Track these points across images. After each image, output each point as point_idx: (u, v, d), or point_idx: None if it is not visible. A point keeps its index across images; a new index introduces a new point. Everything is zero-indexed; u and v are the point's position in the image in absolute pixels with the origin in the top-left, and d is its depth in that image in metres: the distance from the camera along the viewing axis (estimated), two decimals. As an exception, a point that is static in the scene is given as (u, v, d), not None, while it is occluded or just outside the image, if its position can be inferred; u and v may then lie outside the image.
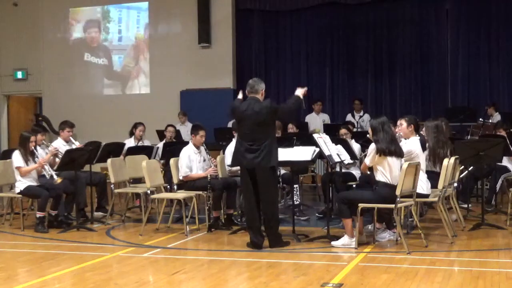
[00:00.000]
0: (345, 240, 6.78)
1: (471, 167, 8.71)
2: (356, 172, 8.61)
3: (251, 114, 6.80)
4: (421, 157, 7.10)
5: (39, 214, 8.12)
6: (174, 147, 9.35)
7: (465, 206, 8.69)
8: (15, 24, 16.57)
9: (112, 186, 8.69)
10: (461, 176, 8.65)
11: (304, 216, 8.75)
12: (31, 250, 7.21)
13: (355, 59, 14.72)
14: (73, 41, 16.53)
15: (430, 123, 7.88)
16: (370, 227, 7.31)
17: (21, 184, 8.24)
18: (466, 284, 5.26)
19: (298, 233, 7.27)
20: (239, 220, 8.36)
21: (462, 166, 8.49)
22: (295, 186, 8.37)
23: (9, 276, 5.87)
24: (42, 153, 8.59)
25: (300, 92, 6.98)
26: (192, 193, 8.06)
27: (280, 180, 8.46)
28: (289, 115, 7.60)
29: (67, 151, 8.28)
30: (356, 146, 8.77)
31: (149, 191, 8.21)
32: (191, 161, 8.18)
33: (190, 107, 14.34)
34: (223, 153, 8.85)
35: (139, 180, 9.38)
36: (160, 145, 10.48)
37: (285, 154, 7.11)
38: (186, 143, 8.60)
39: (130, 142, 10.44)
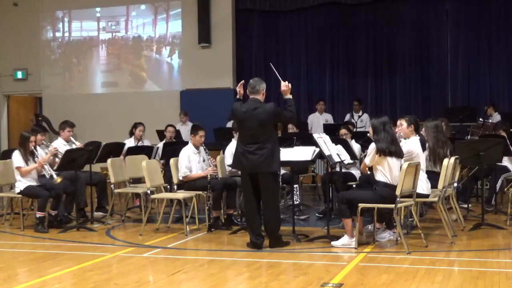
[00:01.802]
0: (345, 240, 6.78)
1: (476, 169, 8.71)
2: (356, 172, 8.61)
3: (253, 115, 6.75)
4: (421, 157, 7.10)
5: (39, 214, 8.12)
6: (174, 147, 9.35)
7: (465, 206, 8.69)
8: (15, 24, 16.58)
9: (112, 186, 8.69)
10: (469, 175, 8.70)
11: (304, 216, 8.74)
12: (31, 250, 7.21)
13: (355, 59, 14.74)
14: (73, 41, 16.54)
15: (429, 123, 7.88)
16: (370, 227, 7.30)
17: (21, 184, 8.24)
18: (466, 284, 5.26)
19: (298, 233, 7.27)
20: (239, 220, 8.36)
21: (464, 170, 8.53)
22: (295, 186, 8.36)
23: (9, 276, 5.87)
24: (42, 153, 8.59)
25: (285, 87, 6.78)
26: (192, 193, 8.06)
27: (280, 180, 8.46)
28: (290, 122, 7.49)
29: (67, 151, 8.28)
30: (356, 146, 8.77)
31: (149, 191, 8.21)
32: (191, 162, 8.17)
33: (190, 107, 14.34)
34: (223, 153, 8.85)
35: (139, 180, 9.38)
36: (160, 145, 10.48)
37: (285, 154, 7.11)
38: (186, 143, 8.60)
39: (130, 142, 10.44)
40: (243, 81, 7.07)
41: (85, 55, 16.45)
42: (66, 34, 16.56)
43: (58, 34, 16.63)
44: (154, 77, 15.93)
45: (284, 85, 6.85)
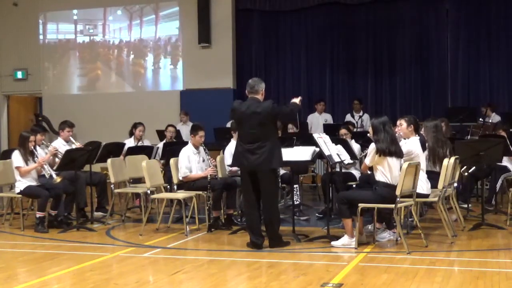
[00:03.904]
0: (345, 240, 6.78)
1: (473, 168, 8.70)
2: (356, 172, 8.61)
3: (252, 115, 6.76)
4: (421, 157, 7.11)
5: (39, 214, 8.12)
6: (174, 147, 9.35)
7: (465, 206, 8.69)
8: (15, 24, 16.57)
9: (112, 186, 8.69)
10: (465, 174, 8.68)
11: (304, 216, 8.75)
12: (31, 250, 7.21)
13: (355, 59, 14.73)
14: (73, 41, 16.53)
15: (429, 123, 7.88)
16: (370, 227, 7.31)
17: (21, 184, 8.24)
18: (466, 284, 5.26)
19: (298, 233, 7.28)
20: (239, 220, 8.36)
21: (464, 168, 8.48)
22: (295, 186, 8.36)
23: (9, 276, 5.87)
24: (41, 153, 8.59)
25: (296, 100, 7.03)
26: (192, 193, 8.06)
27: (280, 180, 8.45)
28: (289, 117, 7.61)
29: (67, 151, 8.28)
30: (356, 146, 8.77)
31: (149, 191, 8.21)
32: (190, 162, 8.17)
33: (190, 107, 14.33)
34: (223, 153, 8.85)
35: (139, 180, 9.38)
36: (160, 145, 10.48)
37: (285, 154, 7.11)
38: (186, 143, 8.60)
39: (130, 142, 10.44)
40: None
41: (85, 55, 16.44)
42: (66, 34, 16.55)
43: (58, 35, 16.61)
44: (154, 77, 15.92)
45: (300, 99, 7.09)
